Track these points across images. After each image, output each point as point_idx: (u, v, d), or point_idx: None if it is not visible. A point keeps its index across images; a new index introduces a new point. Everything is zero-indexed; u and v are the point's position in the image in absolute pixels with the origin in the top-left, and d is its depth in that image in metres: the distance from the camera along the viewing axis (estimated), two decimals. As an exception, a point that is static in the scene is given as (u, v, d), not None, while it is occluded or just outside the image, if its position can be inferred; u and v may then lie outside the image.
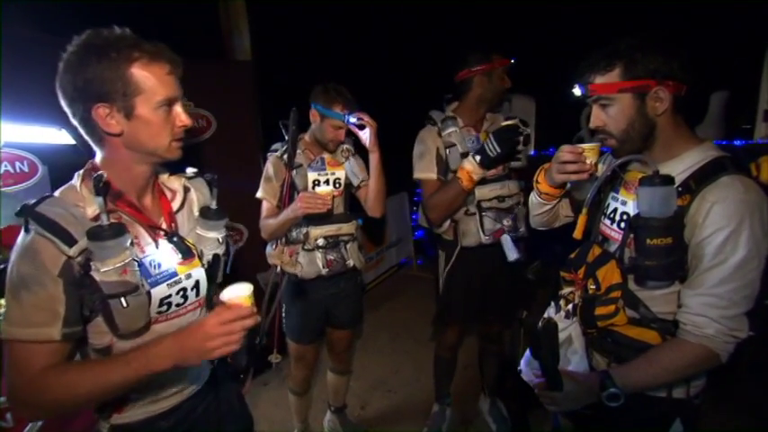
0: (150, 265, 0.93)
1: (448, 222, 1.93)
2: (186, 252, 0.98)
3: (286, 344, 2.02)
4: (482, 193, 1.85)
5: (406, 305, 3.86)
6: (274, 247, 1.87)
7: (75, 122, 0.87)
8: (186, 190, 1.08)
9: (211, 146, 2.58)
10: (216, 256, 1.07)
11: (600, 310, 1.08)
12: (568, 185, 1.27)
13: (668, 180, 0.96)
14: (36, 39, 1.78)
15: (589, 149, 1.11)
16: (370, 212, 1.91)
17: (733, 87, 4.19)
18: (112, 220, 0.83)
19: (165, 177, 1.07)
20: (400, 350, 3.12)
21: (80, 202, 0.85)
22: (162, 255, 0.96)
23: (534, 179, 1.31)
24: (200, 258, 1.03)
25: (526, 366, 1.23)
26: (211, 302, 1.09)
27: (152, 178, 0.98)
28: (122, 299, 0.81)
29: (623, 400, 0.99)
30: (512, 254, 1.84)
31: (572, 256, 1.22)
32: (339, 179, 1.87)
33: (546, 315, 1.29)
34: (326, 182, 1.85)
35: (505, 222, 1.88)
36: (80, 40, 0.82)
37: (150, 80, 0.84)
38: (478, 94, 1.87)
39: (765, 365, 2.15)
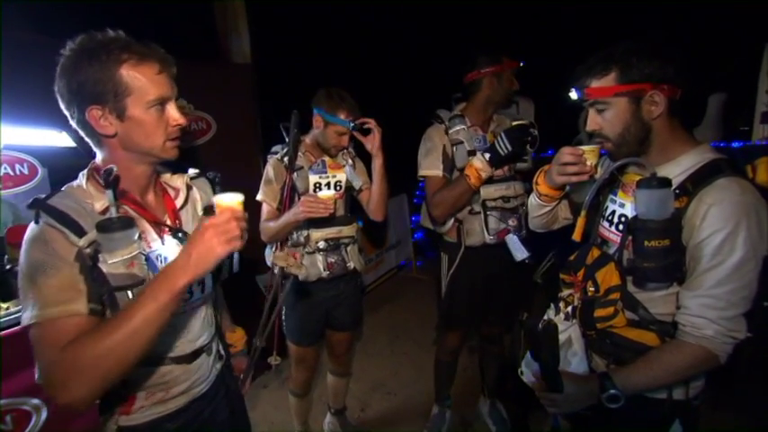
0: (157, 259, 0.94)
1: (451, 222, 1.93)
2: None
3: (286, 346, 2.01)
4: (487, 192, 1.85)
5: (405, 307, 3.85)
6: (274, 249, 1.86)
7: (74, 125, 0.88)
8: (189, 188, 1.09)
9: (211, 148, 2.58)
10: None
11: (599, 312, 1.09)
12: (567, 187, 1.28)
13: (665, 182, 0.96)
14: (35, 41, 1.78)
15: (589, 151, 1.11)
16: (372, 216, 1.91)
17: (731, 89, 4.20)
18: (120, 214, 0.83)
19: (167, 176, 1.07)
20: (400, 352, 3.12)
21: (88, 198, 0.87)
22: (168, 250, 0.96)
23: (534, 181, 1.31)
24: None
25: (526, 368, 1.24)
26: (217, 300, 1.08)
27: (153, 177, 0.99)
28: (129, 291, 0.82)
29: (623, 401, 1.00)
30: (519, 254, 1.82)
31: (571, 258, 1.23)
32: (340, 182, 1.87)
33: (546, 317, 1.30)
34: (328, 185, 1.84)
35: (510, 222, 1.87)
36: (74, 43, 0.83)
37: (140, 80, 0.84)
38: (487, 96, 1.87)
39: (764, 366, 2.15)
